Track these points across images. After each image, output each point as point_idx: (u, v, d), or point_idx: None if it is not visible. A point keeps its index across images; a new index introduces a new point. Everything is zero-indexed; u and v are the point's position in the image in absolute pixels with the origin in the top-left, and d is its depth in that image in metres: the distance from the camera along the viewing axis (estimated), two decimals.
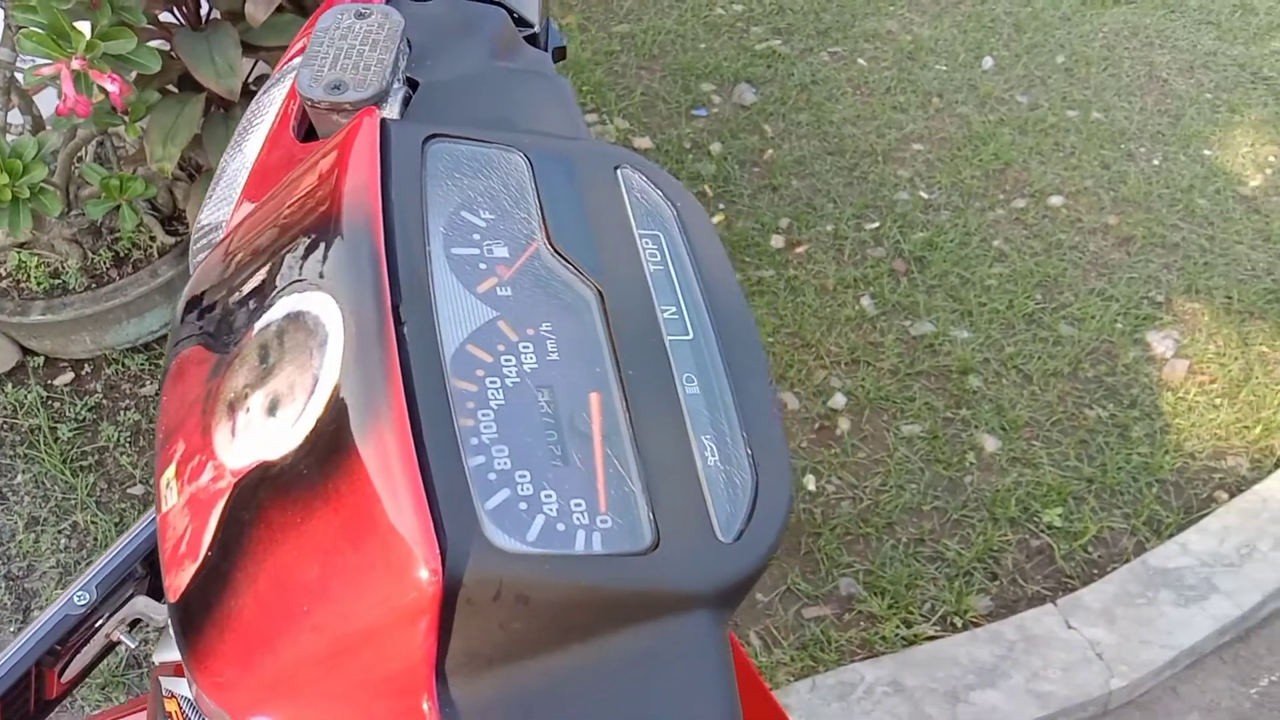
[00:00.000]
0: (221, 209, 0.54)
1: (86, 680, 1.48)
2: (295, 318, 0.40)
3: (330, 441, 0.36)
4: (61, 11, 1.38)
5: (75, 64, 1.39)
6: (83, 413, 1.95)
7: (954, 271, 2.15)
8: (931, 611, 1.65)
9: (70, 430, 1.93)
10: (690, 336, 0.43)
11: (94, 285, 1.94)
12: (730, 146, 2.43)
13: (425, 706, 0.35)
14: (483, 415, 0.38)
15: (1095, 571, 1.69)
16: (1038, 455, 1.84)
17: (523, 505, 0.37)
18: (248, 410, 0.40)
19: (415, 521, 0.34)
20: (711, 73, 2.62)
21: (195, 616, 0.40)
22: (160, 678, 0.70)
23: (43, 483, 1.87)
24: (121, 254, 1.99)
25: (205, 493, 0.40)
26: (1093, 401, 1.92)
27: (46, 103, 1.74)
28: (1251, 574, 1.64)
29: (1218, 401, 1.92)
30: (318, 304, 0.40)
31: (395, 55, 0.50)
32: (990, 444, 1.86)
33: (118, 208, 1.71)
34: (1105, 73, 2.63)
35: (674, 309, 0.44)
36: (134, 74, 1.56)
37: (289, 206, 0.45)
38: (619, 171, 0.48)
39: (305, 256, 0.42)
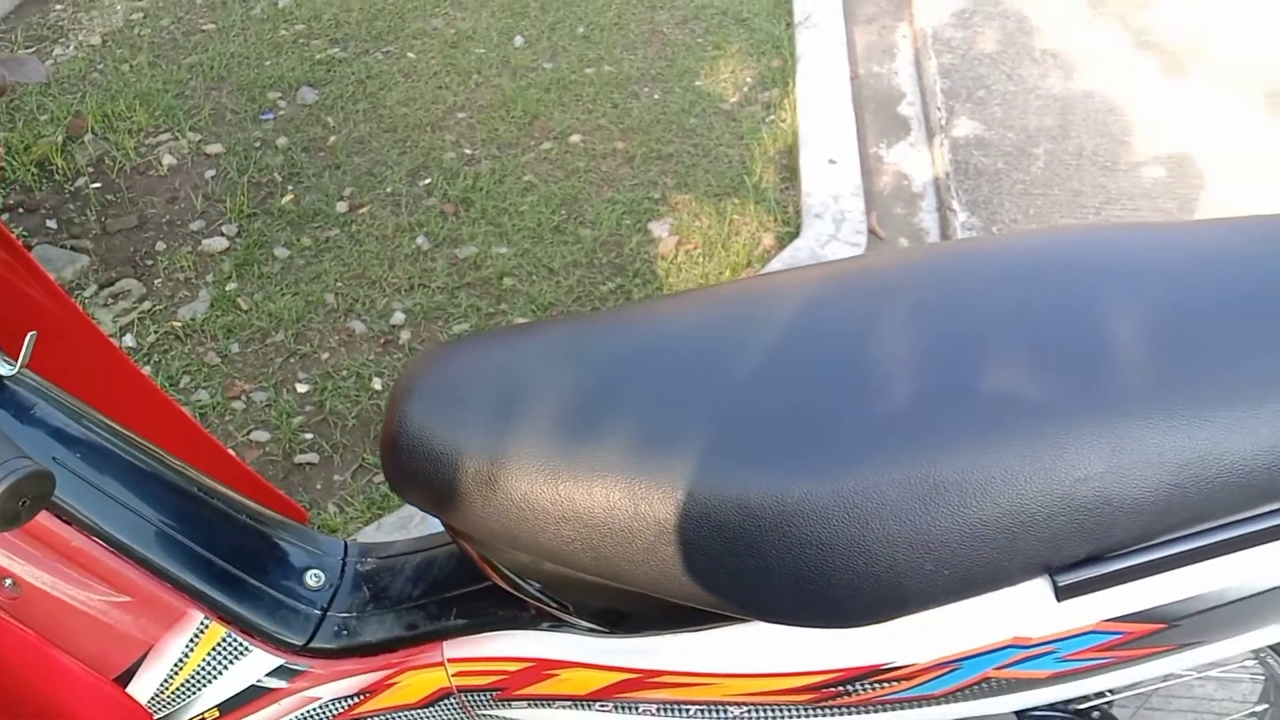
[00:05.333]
0: None
1: None
2: None
3: None
4: None
5: None
6: None
7: (493, 205, 2.56)
8: None
9: None
10: None
11: None
12: (295, 139, 2.75)
13: None
14: None
15: None
16: None
17: None
18: None
19: None
20: (276, 83, 2.94)
21: None
22: None
23: None
24: None
25: None
26: (604, 279, 2.37)
27: None
28: None
29: (699, 260, 2.40)
30: None
31: None
32: None
33: None
34: (616, 35, 3.14)
35: None
36: None
37: None
38: None
39: None
